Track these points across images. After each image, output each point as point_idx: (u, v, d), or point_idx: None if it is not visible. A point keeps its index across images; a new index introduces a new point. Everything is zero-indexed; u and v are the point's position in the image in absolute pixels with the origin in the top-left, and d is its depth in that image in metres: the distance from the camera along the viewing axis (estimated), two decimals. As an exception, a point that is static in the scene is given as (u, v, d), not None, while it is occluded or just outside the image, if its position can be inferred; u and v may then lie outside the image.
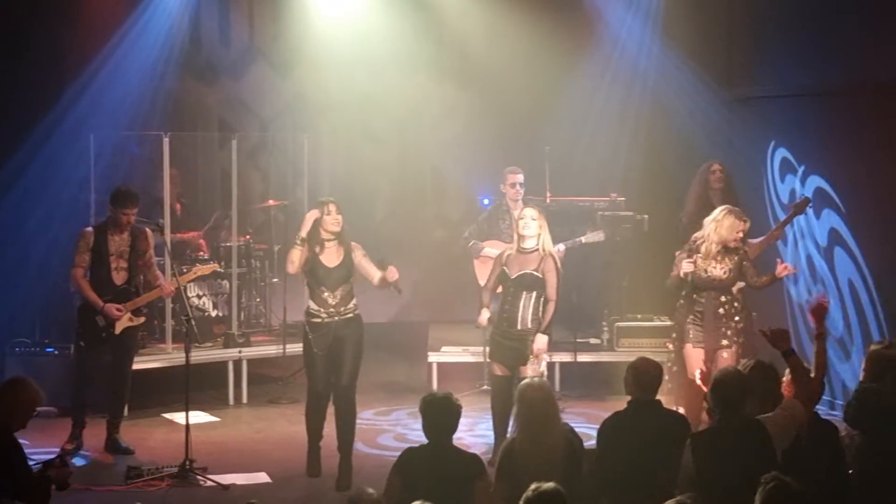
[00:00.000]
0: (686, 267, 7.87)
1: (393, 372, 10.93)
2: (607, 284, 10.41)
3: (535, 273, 7.83)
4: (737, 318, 7.95)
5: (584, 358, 10.04)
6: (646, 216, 10.40)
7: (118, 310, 8.24)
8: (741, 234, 7.93)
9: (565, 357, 10.01)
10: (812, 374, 5.94)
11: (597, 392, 9.99)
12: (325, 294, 7.60)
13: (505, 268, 7.93)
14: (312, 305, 7.66)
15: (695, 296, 7.95)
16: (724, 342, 7.91)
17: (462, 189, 11.76)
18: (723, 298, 7.95)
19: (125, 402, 8.55)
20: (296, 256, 7.59)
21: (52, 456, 6.00)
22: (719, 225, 7.88)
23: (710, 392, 5.64)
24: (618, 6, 11.25)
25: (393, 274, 7.52)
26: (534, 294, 7.87)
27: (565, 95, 11.36)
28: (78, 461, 8.03)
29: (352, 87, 11.87)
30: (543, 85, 11.61)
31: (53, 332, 9.76)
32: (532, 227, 7.82)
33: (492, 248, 9.19)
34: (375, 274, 7.65)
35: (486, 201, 10.19)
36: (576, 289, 10.21)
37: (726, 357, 7.82)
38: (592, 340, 10.32)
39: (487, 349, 8.55)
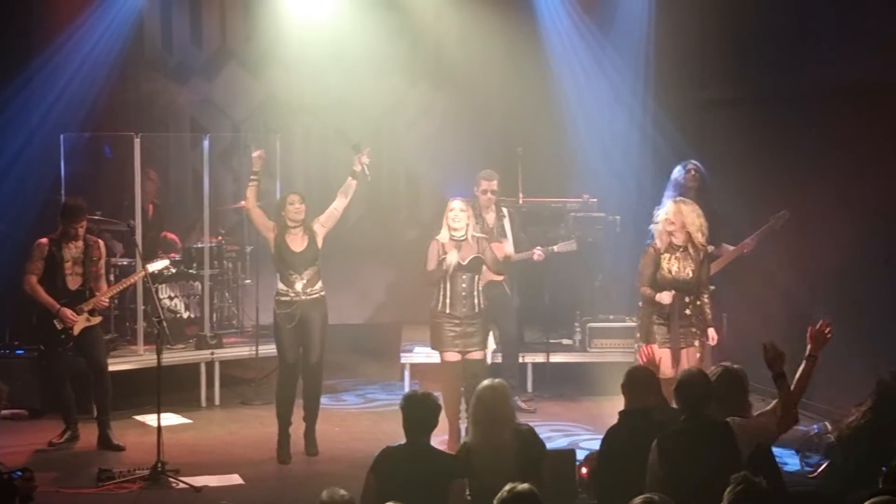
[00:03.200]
0: (665, 298, 7.92)
1: (367, 373, 10.99)
2: (579, 285, 10.43)
3: (480, 256, 8.27)
4: (701, 317, 7.98)
5: (556, 359, 10.09)
6: (618, 217, 10.44)
7: (72, 314, 8.35)
8: (701, 221, 7.98)
9: (538, 358, 10.06)
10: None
11: (569, 393, 10.02)
12: (293, 276, 8.23)
13: (448, 255, 8.22)
14: (281, 287, 8.31)
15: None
16: (694, 342, 7.95)
17: (436, 190, 11.74)
18: (687, 299, 7.98)
19: (108, 397, 8.56)
20: (251, 193, 8.37)
21: (19, 468, 5.97)
22: (677, 213, 7.94)
23: (675, 393, 5.69)
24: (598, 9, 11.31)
25: (364, 159, 8.39)
26: (478, 276, 8.33)
27: (539, 97, 11.39)
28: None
29: (325, 89, 11.84)
30: (517, 87, 11.64)
31: (24, 334, 9.69)
32: (461, 218, 8.25)
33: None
34: (339, 204, 8.38)
35: (460, 202, 10.18)
36: (548, 290, 10.26)
37: (695, 356, 7.86)
38: (565, 341, 10.36)
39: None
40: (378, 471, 5.69)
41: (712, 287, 8.87)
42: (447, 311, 8.23)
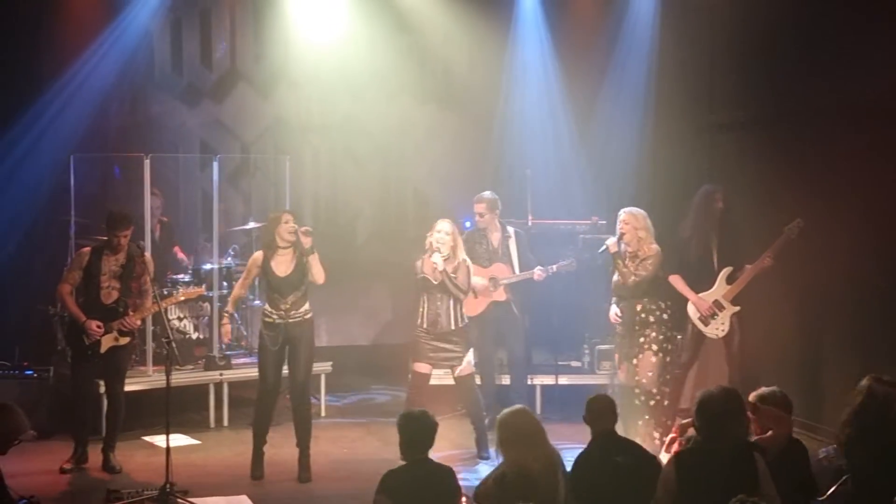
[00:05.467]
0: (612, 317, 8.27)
1: (375, 394, 10.99)
2: (588, 307, 10.42)
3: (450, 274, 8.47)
4: (655, 326, 8.01)
5: (565, 381, 10.08)
6: (626, 239, 10.42)
7: (98, 326, 8.29)
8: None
9: (546, 380, 10.05)
10: None
11: (578, 415, 9.88)
12: (278, 299, 8.24)
13: (425, 275, 8.49)
14: (267, 308, 8.34)
15: (620, 304, 8.10)
16: (637, 351, 8.01)
17: (444, 211, 11.74)
18: (638, 307, 8.06)
19: (118, 424, 8.54)
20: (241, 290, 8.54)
21: (26, 496, 5.99)
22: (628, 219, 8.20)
23: (695, 413, 5.64)
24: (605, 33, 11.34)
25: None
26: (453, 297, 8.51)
27: (547, 119, 11.41)
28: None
29: (334, 109, 11.89)
30: (525, 108, 11.65)
31: (33, 355, 9.71)
32: (446, 242, 8.47)
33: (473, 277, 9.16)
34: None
35: (468, 224, 10.19)
36: (557, 312, 10.25)
37: (649, 364, 7.91)
38: (573, 363, 10.37)
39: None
40: (387, 491, 5.68)
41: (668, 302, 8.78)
42: (424, 327, 8.51)
